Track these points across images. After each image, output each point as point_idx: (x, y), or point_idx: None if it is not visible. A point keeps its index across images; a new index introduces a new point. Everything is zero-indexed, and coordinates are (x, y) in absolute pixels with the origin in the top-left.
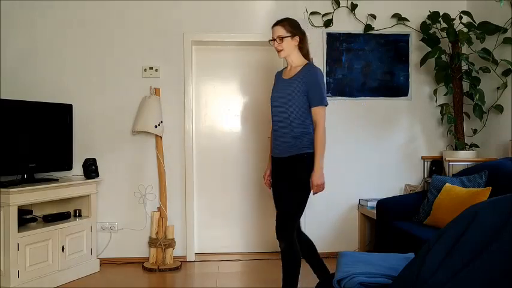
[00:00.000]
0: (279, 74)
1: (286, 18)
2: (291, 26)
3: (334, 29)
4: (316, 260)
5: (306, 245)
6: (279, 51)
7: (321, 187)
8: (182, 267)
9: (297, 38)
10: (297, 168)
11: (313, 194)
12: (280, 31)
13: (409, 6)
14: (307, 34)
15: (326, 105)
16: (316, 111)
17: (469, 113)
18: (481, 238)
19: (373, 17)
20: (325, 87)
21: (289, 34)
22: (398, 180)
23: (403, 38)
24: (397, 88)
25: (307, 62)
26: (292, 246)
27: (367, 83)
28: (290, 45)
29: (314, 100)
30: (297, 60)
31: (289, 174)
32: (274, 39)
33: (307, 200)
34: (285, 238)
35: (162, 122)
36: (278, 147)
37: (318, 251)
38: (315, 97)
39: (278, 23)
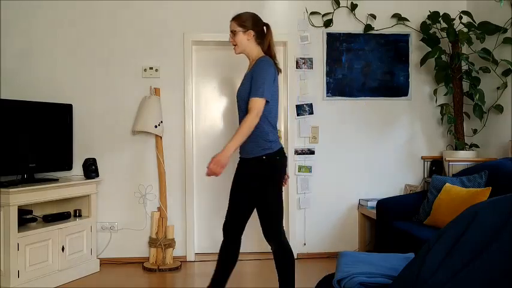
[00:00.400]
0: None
1: (242, 12)
2: (244, 20)
3: (334, 29)
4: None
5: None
6: (233, 47)
7: (214, 169)
8: (182, 267)
9: (250, 33)
10: (259, 170)
11: (206, 173)
12: (233, 26)
13: (409, 6)
14: (270, 28)
15: (264, 98)
16: (251, 101)
17: (469, 113)
18: (481, 238)
19: (373, 17)
20: (269, 81)
21: (241, 29)
22: (398, 180)
23: (403, 38)
24: (397, 88)
25: (262, 56)
26: (282, 245)
27: (367, 83)
28: (243, 40)
29: (252, 91)
30: (253, 56)
31: (255, 176)
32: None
33: (281, 195)
34: (273, 239)
35: (162, 122)
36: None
37: (318, 251)
38: (253, 88)
39: (233, 17)
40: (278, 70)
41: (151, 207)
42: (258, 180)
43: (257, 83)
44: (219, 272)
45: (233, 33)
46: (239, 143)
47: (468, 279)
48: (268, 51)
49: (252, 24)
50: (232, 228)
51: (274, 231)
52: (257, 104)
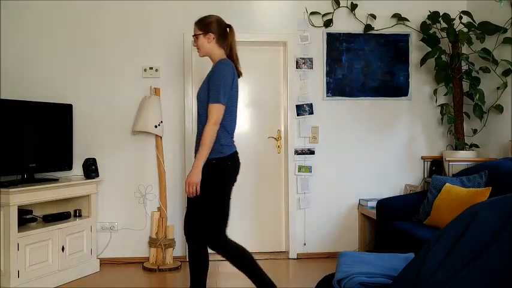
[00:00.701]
0: None
1: (204, 16)
2: (204, 23)
3: (334, 29)
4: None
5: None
6: (197, 50)
7: (191, 190)
8: (182, 267)
9: (210, 36)
10: (208, 173)
11: (187, 194)
12: (195, 29)
13: (409, 6)
14: (233, 30)
15: (222, 104)
16: (209, 107)
17: (469, 113)
18: (481, 238)
19: (373, 17)
20: (226, 86)
21: (201, 32)
22: (398, 180)
23: (403, 38)
24: (397, 88)
25: (222, 59)
26: (226, 246)
27: (367, 83)
28: (204, 43)
29: (210, 97)
30: (215, 58)
31: (203, 178)
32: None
33: (224, 201)
34: (202, 235)
35: (162, 122)
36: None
37: (318, 251)
38: (211, 93)
39: (195, 21)
40: (239, 73)
41: (151, 207)
42: (204, 182)
43: (214, 88)
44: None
45: (195, 36)
46: (205, 157)
47: (468, 279)
48: (230, 54)
49: (212, 27)
50: (185, 227)
51: (211, 235)
52: (214, 111)
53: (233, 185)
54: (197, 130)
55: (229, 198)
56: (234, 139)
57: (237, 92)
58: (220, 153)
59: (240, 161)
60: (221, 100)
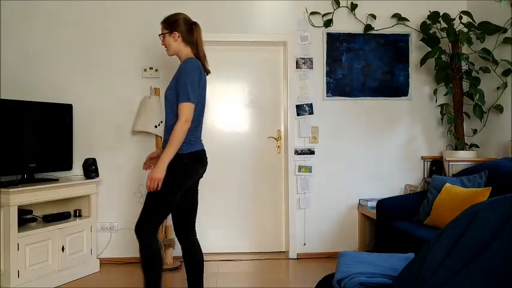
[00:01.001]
0: None
1: (170, 14)
2: (168, 22)
3: (334, 29)
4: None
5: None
6: (166, 50)
7: (152, 185)
8: (182, 267)
9: (175, 34)
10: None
11: (147, 188)
12: (161, 28)
13: (409, 6)
14: (198, 27)
15: (191, 102)
16: (179, 106)
17: (469, 113)
18: (481, 238)
19: (373, 17)
20: (193, 84)
21: (166, 31)
22: (398, 180)
23: (403, 38)
24: (397, 88)
25: (188, 57)
26: (149, 245)
27: (367, 83)
28: (170, 42)
29: (179, 96)
30: (182, 57)
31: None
32: None
33: (170, 199)
34: (139, 236)
35: (162, 122)
36: None
37: (318, 251)
38: (179, 93)
39: (161, 21)
40: (206, 71)
41: None
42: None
43: (181, 87)
44: (190, 278)
45: (162, 35)
46: (172, 154)
47: (468, 279)
48: (197, 52)
49: (177, 25)
50: (175, 229)
51: (142, 224)
52: (184, 110)
53: (192, 183)
54: (164, 128)
55: (181, 196)
56: (234, 138)
57: (204, 90)
58: (179, 150)
59: (241, 161)
60: (191, 99)
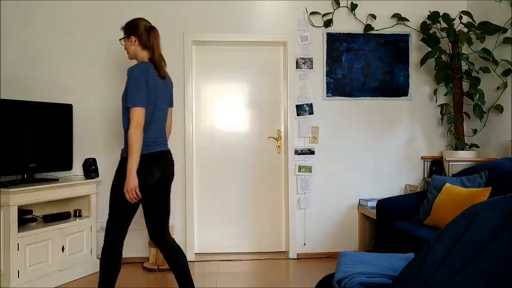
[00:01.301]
0: None
1: (129, 20)
2: (126, 27)
3: (334, 29)
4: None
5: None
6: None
7: (131, 196)
8: None
9: (132, 39)
10: (118, 169)
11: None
12: (121, 33)
13: (409, 6)
14: (155, 31)
15: (138, 107)
16: (130, 111)
17: (469, 113)
18: (481, 238)
19: (373, 17)
20: (139, 87)
21: (125, 36)
22: (398, 180)
23: (403, 38)
24: (397, 88)
25: (138, 62)
26: (108, 250)
27: (367, 83)
28: (128, 46)
29: (127, 101)
30: (138, 61)
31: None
32: None
33: (121, 204)
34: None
35: None
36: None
37: (318, 251)
38: (127, 98)
39: (122, 26)
40: (160, 73)
41: None
42: (115, 178)
43: (128, 92)
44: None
45: (122, 40)
46: (135, 159)
47: (468, 279)
48: (153, 55)
49: (134, 30)
50: (148, 231)
51: (107, 227)
52: (134, 114)
53: (158, 185)
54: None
55: (150, 198)
56: (234, 138)
57: (155, 93)
58: (126, 153)
59: (241, 161)
60: (137, 103)
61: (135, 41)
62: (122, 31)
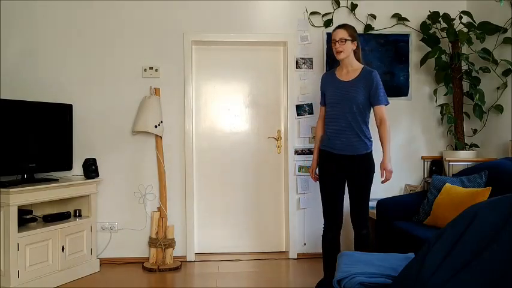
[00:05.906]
0: (331, 76)
1: (348, 24)
2: (353, 31)
3: None
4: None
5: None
6: (338, 53)
7: (391, 174)
8: (182, 267)
9: (355, 43)
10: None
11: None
12: (343, 34)
13: (409, 6)
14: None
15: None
16: (379, 109)
17: (469, 113)
18: (481, 238)
19: (373, 17)
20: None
21: (350, 38)
22: (399, 180)
23: (403, 38)
24: (397, 88)
25: (363, 65)
26: (369, 230)
27: None
28: (349, 48)
29: (379, 100)
30: (354, 63)
31: (359, 170)
32: (336, 41)
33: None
34: (366, 226)
35: (162, 122)
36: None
37: (318, 251)
38: (382, 96)
39: (341, 26)
40: None
41: (151, 207)
42: (370, 171)
43: (381, 91)
44: None
45: (341, 40)
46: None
47: (468, 279)
48: (359, 61)
49: (356, 36)
50: (367, 219)
51: (367, 220)
52: (385, 112)
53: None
54: (338, 127)
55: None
56: (234, 139)
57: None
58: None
59: (241, 161)
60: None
61: (355, 45)
62: (343, 30)
